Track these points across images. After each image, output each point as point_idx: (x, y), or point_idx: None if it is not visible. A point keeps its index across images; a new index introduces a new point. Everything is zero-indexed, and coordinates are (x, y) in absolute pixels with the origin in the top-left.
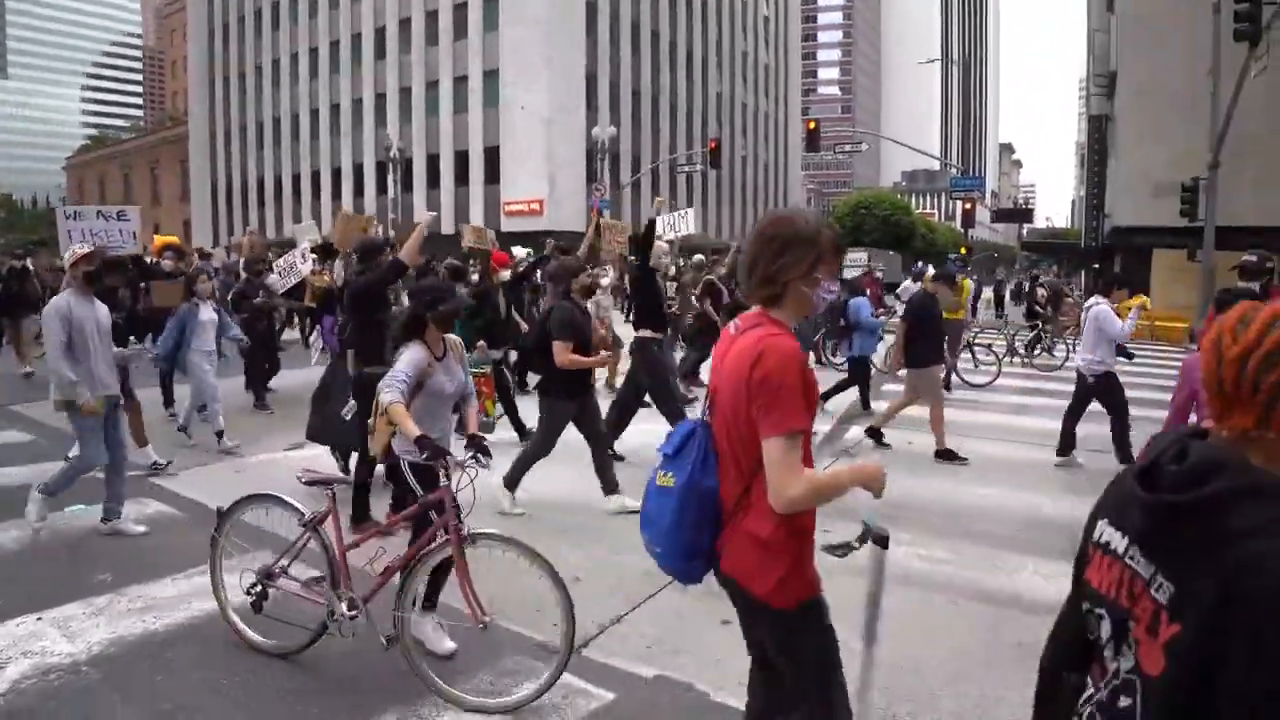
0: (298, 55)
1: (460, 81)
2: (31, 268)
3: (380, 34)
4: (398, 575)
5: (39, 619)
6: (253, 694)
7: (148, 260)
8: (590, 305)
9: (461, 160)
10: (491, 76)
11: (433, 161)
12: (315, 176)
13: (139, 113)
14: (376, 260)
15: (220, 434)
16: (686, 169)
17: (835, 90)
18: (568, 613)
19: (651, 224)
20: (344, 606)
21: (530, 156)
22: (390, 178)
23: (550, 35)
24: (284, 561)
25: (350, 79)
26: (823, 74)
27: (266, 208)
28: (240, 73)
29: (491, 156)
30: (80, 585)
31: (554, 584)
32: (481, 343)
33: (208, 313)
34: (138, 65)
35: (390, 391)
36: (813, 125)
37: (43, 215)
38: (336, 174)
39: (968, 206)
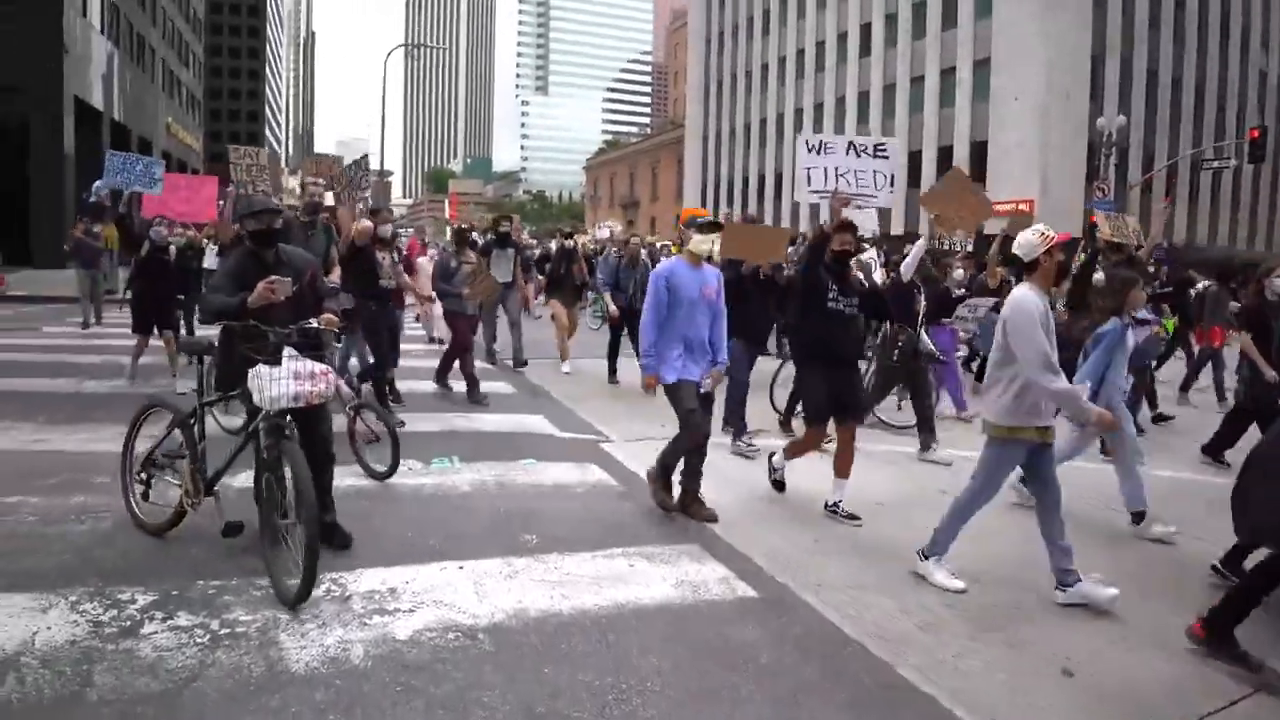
0: (785, 58)
1: (947, 74)
2: (577, 245)
3: (866, 30)
4: None
5: (460, 568)
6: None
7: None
8: None
9: (945, 157)
10: (981, 66)
11: (914, 159)
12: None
13: (646, 120)
14: None
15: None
16: (1215, 164)
17: None
18: None
19: None
20: None
21: (1021, 152)
22: None
23: (1050, 11)
24: None
25: (834, 77)
26: None
27: (750, 203)
28: (732, 76)
29: (978, 152)
30: (509, 541)
31: None
32: None
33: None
34: (647, 78)
35: None
36: None
37: (568, 208)
38: None
39: None
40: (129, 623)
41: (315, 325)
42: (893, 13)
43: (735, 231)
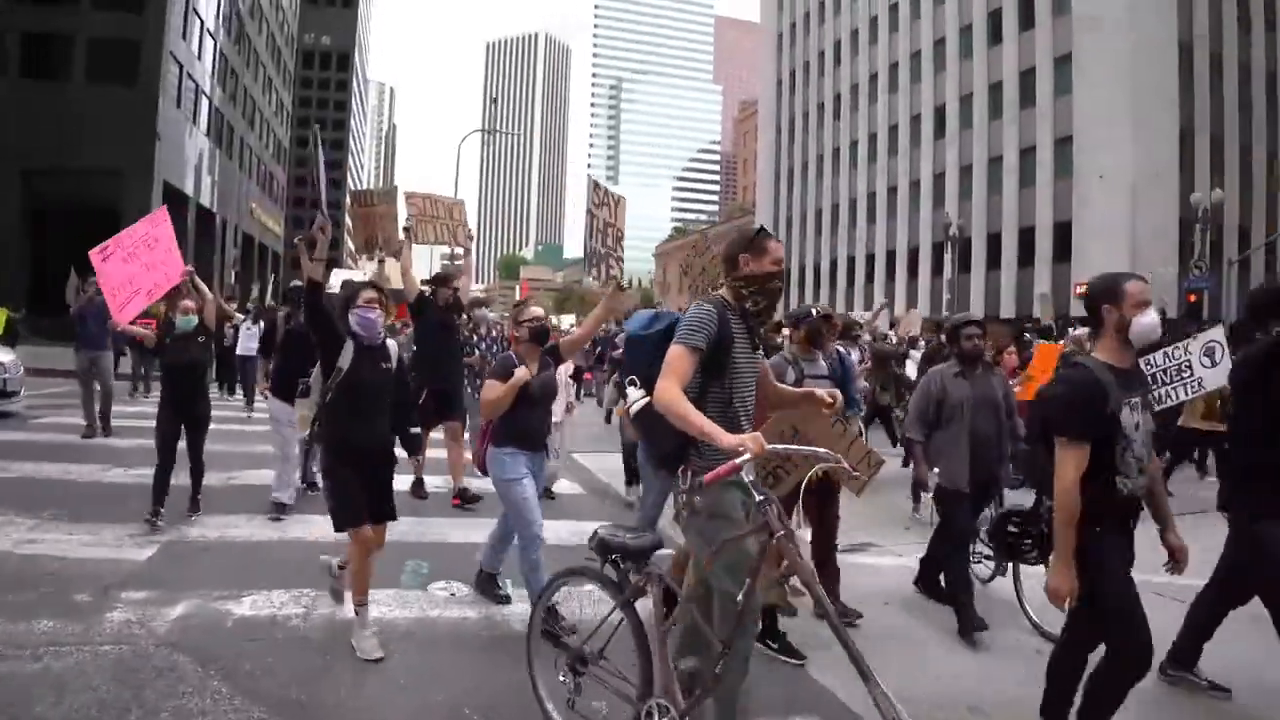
0: (857, 142)
1: (1027, 154)
2: None
3: (940, 113)
4: None
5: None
6: None
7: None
8: None
9: (1026, 238)
10: (1063, 144)
11: (993, 240)
12: (870, 260)
13: (714, 207)
14: None
15: None
16: None
17: None
18: None
19: None
20: None
21: (1108, 230)
22: (947, 258)
23: (1135, 90)
24: None
25: (908, 161)
26: None
27: (821, 290)
28: (803, 163)
29: (1062, 232)
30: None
31: None
32: None
33: None
34: (715, 167)
35: None
36: None
37: (638, 294)
38: (890, 256)
39: None
40: None
41: None
42: (968, 94)
43: None
